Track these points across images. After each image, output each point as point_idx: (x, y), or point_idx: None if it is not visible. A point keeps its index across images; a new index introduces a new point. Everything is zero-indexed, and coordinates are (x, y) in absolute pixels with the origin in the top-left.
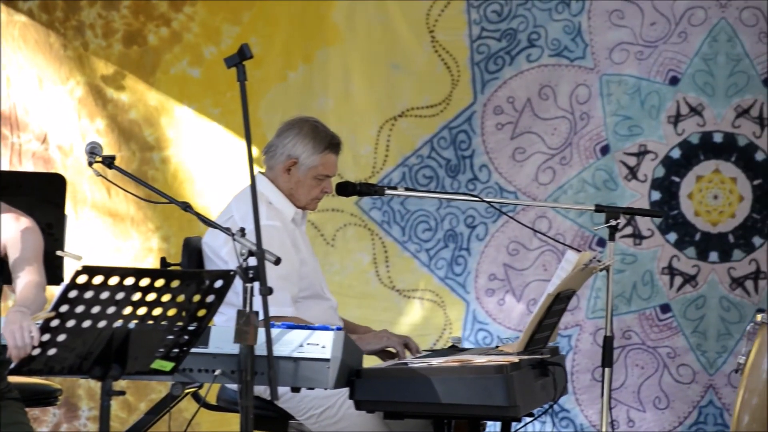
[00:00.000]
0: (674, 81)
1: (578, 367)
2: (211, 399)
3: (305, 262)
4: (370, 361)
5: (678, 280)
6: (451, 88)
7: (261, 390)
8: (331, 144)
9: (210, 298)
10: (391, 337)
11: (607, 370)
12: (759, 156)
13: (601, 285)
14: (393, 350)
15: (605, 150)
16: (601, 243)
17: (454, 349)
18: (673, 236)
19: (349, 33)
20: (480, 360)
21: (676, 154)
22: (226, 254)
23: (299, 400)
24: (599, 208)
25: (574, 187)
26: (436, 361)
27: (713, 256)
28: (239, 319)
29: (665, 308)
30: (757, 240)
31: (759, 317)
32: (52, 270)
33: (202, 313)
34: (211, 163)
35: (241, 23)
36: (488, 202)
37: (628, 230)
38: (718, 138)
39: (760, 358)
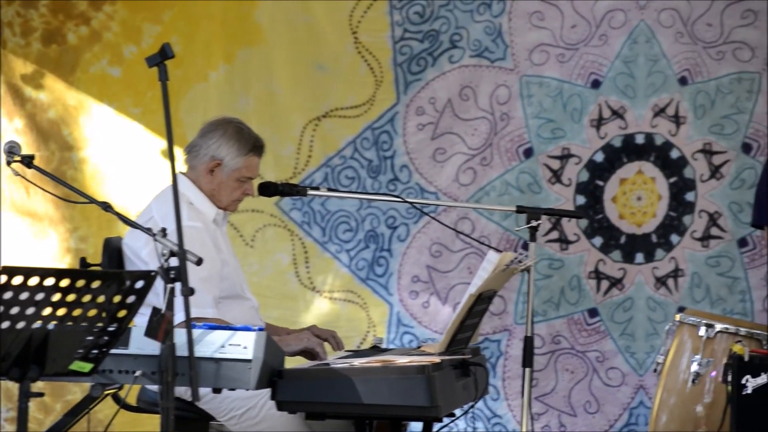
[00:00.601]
0: (596, 84)
1: (510, 373)
2: (131, 400)
3: (227, 262)
4: (293, 362)
5: (605, 284)
6: (375, 88)
7: (182, 391)
8: (255, 146)
9: (131, 299)
10: (311, 338)
11: (527, 370)
12: (674, 154)
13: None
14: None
15: (528, 153)
16: (527, 246)
17: (376, 349)
18: (598, 240)
19: (271, 33)
20: (402, 360)
21: (600, 157)
22: (147, 255)
23: (220, 401)
24: (520, 209)
25: (497, 189)
26: (357, 362)
27: (639, 257)
28: (152, 315)
29: (593, 312)
30: (674, 237)
31: (678, 317)
32: None
33: (122, 313)
34: (131, 162)
35: (161, 22)
36: (411, 203)
37: (555, 235)
38: (640, 139)
39: (678, 357)
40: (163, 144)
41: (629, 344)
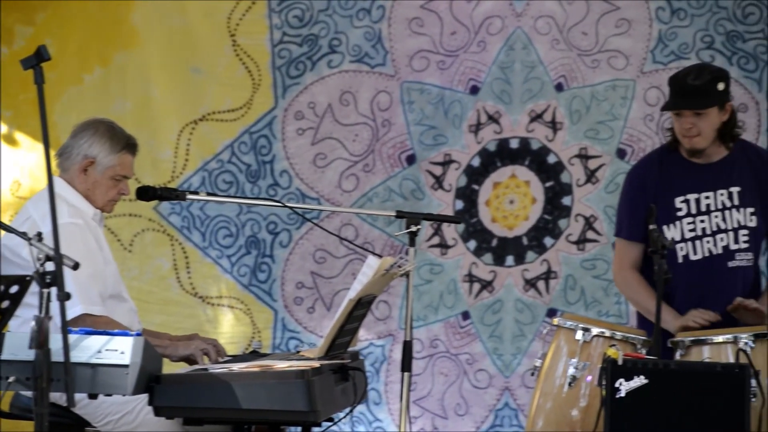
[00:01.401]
0: (474, 90)
1: (392, 378)
2: (5, 406)
3: (108, 261)
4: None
5: (476, 286)
6: (252, 92)
7: (57, 396)
8: (128, 144)
9: (5, 304)
10: (201, 345)
11: (406, 374)
12: (551, 159)
13: (413, 295)
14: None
15: (411, 159)
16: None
17: (256, 354)
18: (473, 244)
19: (148, 35)
20: (281, 365)
21: (476, 162)
22: (28, 254)
23: (96, 406)
24: (400, 214)
25: (380, 195)
26: (237, 367)
27: (509, 260)
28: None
29: (465, 315)
30: (548, 240)
31: (555, 321)
32: None
33: None
34: (3, 165)
35: (34, 24)
36: (292, 208)
37: (436, 240)
38: (514, 144)
39: (555, 362)
40: (38, 147)
41: (497, 346)
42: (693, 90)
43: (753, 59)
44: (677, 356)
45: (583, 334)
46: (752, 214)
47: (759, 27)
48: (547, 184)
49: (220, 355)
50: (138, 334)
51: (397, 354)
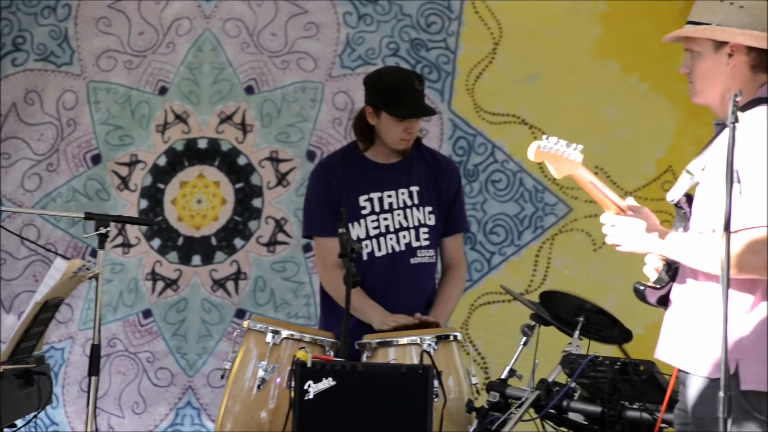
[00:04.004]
0: (163, 91)
1: (69, 380)
2: None
3: None
4: None
5: (160, 285)
6: None
7: None
8: None
9: None
10: None
11: (93, 378)
12: (241, 160)
13: (94, 296)
14: None
15: (96, 159)
16: (95, 253)
17: None
18: (157, 242)
19: None
20: None
21: (163, 161)
22: None
23: None
24: (89, 216)
25: (63, 195)
26: None
27: (196, 259)
28: None
29: (147, 313)
30: (238, 242)
31: (245, 323)
32: None
33: None
34: None
35: None
36: None
37: (119, 240)
38: (202, 144)
39: (244, 364)
40: None
41: (181, 345)
42: (421, 95)
43: (436, 69)
44: (364, 358)
45: (273, 337)
46: (430, 213)
47: (441, 36)
48: (237, 186)
49: None
50: None
51: (74, 356)
